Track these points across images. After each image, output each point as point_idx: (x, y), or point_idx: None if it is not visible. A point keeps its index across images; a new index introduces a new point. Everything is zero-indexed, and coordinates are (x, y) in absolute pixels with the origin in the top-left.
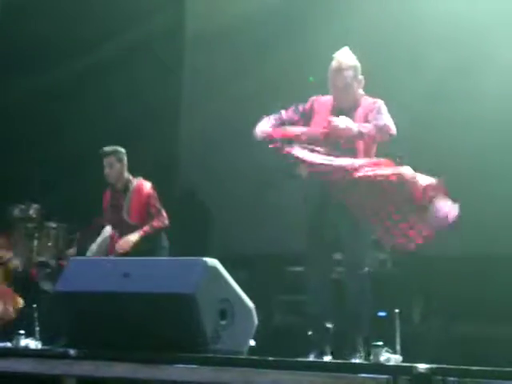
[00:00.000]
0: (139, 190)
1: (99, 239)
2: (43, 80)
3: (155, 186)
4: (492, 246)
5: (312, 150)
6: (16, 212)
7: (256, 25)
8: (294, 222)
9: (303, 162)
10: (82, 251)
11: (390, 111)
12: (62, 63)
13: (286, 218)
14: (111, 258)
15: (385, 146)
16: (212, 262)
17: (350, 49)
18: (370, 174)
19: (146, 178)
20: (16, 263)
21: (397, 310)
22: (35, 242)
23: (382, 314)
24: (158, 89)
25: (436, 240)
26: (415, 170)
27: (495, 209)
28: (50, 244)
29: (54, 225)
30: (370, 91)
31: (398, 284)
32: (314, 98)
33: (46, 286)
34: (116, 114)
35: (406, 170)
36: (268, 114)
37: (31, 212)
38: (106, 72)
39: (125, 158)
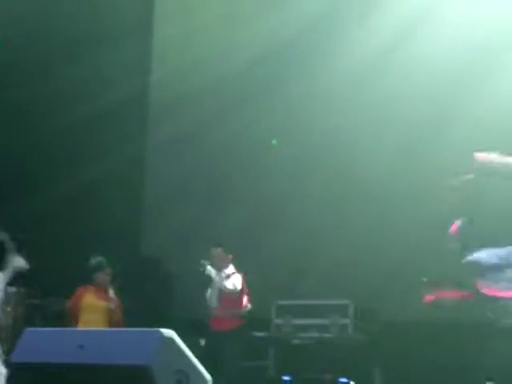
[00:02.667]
0: None
1: None
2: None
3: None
4: (454, 312)
5: None
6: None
7: (213, 93)
8: (258, 287)
9: None
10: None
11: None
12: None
13: (250, 286)
14: (66, 329)
15: None
16: (168, 332)
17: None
18: None
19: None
20: None
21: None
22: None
23: (342, 380)
24: (123, 152)
25: (399, 305)
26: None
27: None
28: (9, 309)
29: (13, 289)
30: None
31: (359, 350)
32: None
33: None
34: (79, 177)
35: None
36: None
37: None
38: (73, 134)
39: None
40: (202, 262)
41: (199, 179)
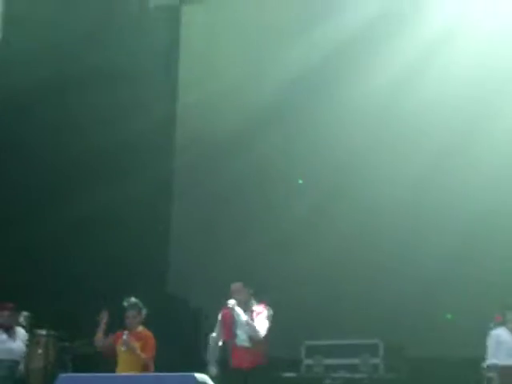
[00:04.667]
0: None
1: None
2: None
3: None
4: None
5: None
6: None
7: (239, 120)
8: (284, 327)
9: None
10: None
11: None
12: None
13: (276, 326)
14: (101, 374)
15: None
16: (202, 377)
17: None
18: None
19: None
20: None
21: None
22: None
23: None
24: (150, 187)
25: (426, 341)
26: None
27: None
28: (39, 351)
29: (43, 332)
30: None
31: None
32: None
33: None
34: (106, 215)
35: None
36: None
37: (21, 320)
38: (100, 161)
39: None
40: (229, 303)
41: (225, 210)
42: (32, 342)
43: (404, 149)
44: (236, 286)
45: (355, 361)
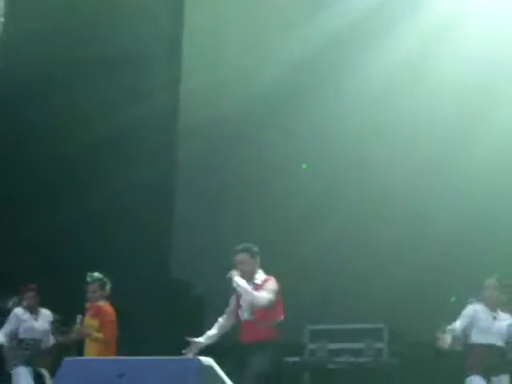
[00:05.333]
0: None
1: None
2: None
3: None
4: None
5: None
6: (9, 304)
7: (243, 108)
8: (288, 312)
9: None
10: None
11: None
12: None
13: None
14: (105, 357)
15: None
16: (207, 360)
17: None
18: None
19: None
20: None
21: None
22: None
23: None
24: (153, 170)
25: (429, 326)
26: None
27: None
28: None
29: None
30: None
31: (395, 375)
32: None
33: None
34: (108, 197)
35: None
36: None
37: (24, 304)
38: (103, 147)
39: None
40: (230, 273)
41: (229, 197)
42: None
43: (407, 135)
44: (240, 256)
45: (359, 345)
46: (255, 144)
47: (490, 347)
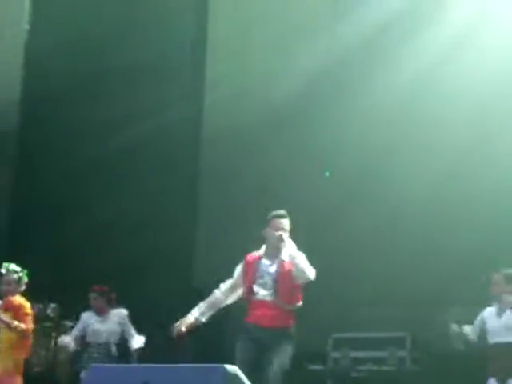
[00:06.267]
0: None
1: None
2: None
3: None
4: None
5: None
6: (34, 311)
7: (265, 116)
8: (311, 321)
9: None
10: None
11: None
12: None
13: (303, 318)
14: (131, 365)
15: None
16: (232, 368)
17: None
18: None
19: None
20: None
21: None
22: (52, 342)
23: None
24: (175, 182)
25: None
26: None
27: None
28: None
29: (71, 324)
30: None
31: (418, 382)
32: None
33: None
34: (132, 206)
35: None
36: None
37: (49, 311)
38: (126, 155)
39: None
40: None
41: (252, 206)
42: (60, 334)
43: (428, 143)
44: (286, 222)
45: (382, 353)
46: (277, 153)
47: (502, 346)
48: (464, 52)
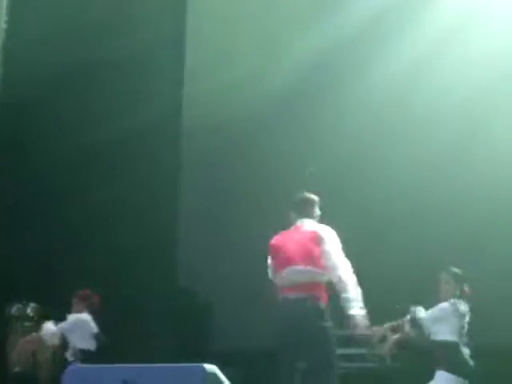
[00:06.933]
0: None
1: None
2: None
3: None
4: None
5: None
6: (13, 310)
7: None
8: None
9: None
10: None
11: None
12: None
13: None
14: (110, 365)
15: None
16: (211, 368)
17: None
18: None
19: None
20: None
21: None
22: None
23: None
24: (157, 178)
25: None
26: None
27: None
28: (48, 343)
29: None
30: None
31: (398, 380)
32: None
33: None
34: (114, 203)
35: None
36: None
37: (28, 311)
38: (106, 153)
39: None
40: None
41: (236, 203)
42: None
43: (417, 138)
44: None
45: (362, 350)
46: (261, 148)
47: None
48: (453, 47)
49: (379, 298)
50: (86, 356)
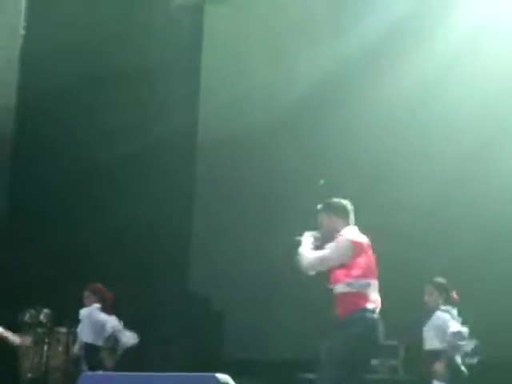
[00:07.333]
0: None
1: None
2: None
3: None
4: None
5: None
6: (26, 317)
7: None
8: (307, 327)
9: None
10: None
11: None
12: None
13: (299, 324)
14: (123, 373)
15: None
16: (224, 378)
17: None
18: None
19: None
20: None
21: None
22: (45, 348)
23: None
24: (171, 187)
25: None
26: None
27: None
28: (60, 349)
29: (64, 330)
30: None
31: None
32: None
33: None
34: (127, 212)
35: None
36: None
37: (41, 317)
38: (122, 166)
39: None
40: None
41: (247, 213)
42: (53, 340)
43: (432, 151)
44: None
45: (374, 362)
46: (274, 162)
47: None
48: (468, 59)
49: (399, 314)
50: (88, 350)
